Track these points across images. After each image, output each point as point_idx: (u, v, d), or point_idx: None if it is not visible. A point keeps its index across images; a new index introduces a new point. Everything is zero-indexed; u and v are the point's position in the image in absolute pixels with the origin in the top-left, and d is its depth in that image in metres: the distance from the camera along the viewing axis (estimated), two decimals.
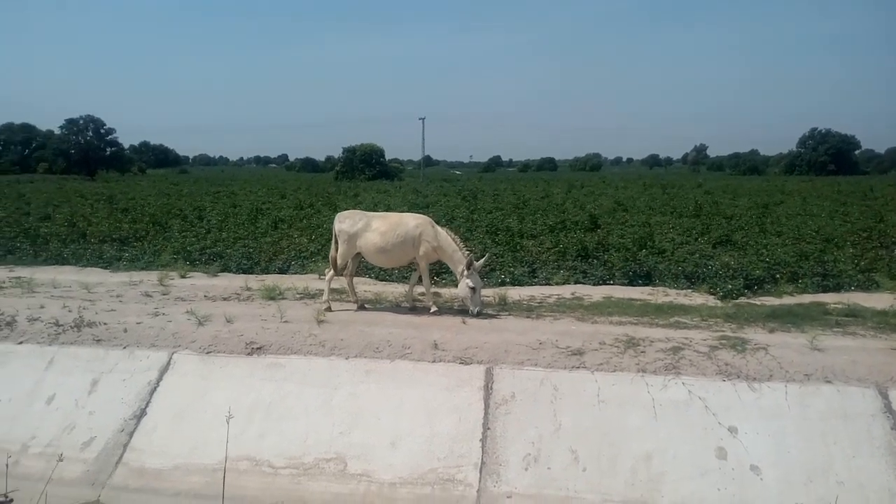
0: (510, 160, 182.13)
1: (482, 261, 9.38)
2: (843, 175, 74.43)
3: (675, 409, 6.69)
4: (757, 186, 44.94)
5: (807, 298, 10.30)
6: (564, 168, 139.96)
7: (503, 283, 11.69)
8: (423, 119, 75.60)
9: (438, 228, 9.46)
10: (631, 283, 11.76)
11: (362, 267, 11.66)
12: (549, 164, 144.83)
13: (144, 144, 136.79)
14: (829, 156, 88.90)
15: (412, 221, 9.46)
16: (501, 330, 8.39)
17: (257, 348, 7.93)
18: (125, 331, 8.45)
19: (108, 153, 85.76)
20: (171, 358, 7.89)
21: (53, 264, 13.99)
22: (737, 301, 10.18)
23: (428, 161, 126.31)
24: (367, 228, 9.46)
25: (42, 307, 9.38)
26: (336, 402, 7.20)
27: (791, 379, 6.88)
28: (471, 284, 9.01)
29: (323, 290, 9.75)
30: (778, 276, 11.49)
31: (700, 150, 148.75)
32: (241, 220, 19.82)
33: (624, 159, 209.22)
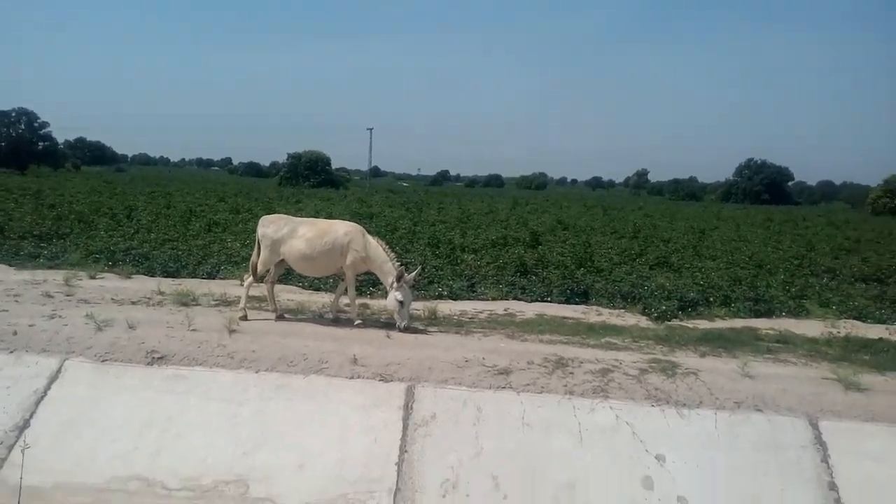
0: (458, 175, 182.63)
1: (413, 274, 8.93)
2: (776, 205, 77.05)
3: (601, 435, 6.37)
4: (694, 212, 46.04)
5: (739, 322, 10.21)
6: (511, 185, 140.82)
7: (440, 297, 11.30)
8: (371, 129, 75.05)
9: (369, 237, 8.99)
10: (568, 301, 11.54)
11: (289, 274, 11.08)
12: (495, 181, 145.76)
13: (80, 140, 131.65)
14: (763, 185, 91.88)
15: (341, 229, 8.96)
16: (427, 346, 7.95)
17: (158, 358, 7.27)
18: (15, 333, 7.66)
19: (40, 147, 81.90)
20: (62, 365, 7.16)
21: None
22: (669, 323, 10.01)
23: (376, 172, 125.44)
24: (293, 234, 8.91)
25: None
26: (241, 418, 6.63)
27: (721, 406, 6.65)
28: (399, 297, 8.56)
29: (240, 297, 9.13)
30: (711, 298, 11.45)
31: (641, 175, 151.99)
32: (173, 221, 18.97)
33: (568, 180, 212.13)
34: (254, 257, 9.19)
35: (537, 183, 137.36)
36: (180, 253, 13.64)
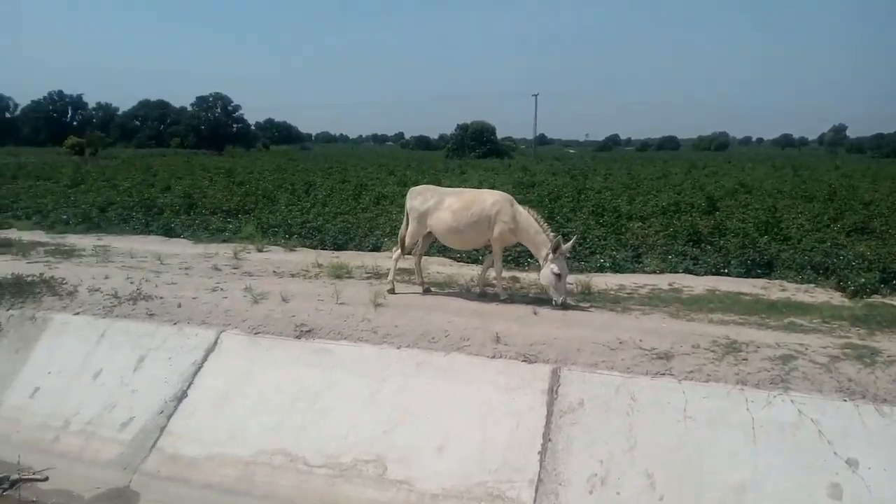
0: (629, 139, 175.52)
1: (569, 244, 8.29)
2: None
3: (779, 433, 5.46)
4: None
5: None
6: (687, 147, 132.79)
7: (602, 268, 10.61)
8: (537, 96, 73.90)
9: (518, 207, 8.45)
10: (748, 273, 10.30)
11: (443, 247, 10.87)
12: (670, 143, 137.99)
13: (269, 121, 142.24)
14: None
15: (489, 199, 8.50)
16: (576, 324, 7.33)
17: (307, 331, 7.32)
18: (179, 306, 8.11)
19: (234, 129, 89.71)
20: (218, 337, 7.44)
21: (161, 234, 14.19)
22: (869, 300, 8.56)
23: (542, 140, 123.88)
24: (440, 206, 8.62)
25: (107, 277, 9.25)
26: (383, 396, 6.48)
27: None
28: (556, 270, 7.94)
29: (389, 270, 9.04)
30: None
31: (838, 131, 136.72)
32: (345, 195, 19.58)
33: (753, 139, 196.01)
34: (402, 230, 9.04)
35: (717, 143, 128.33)
36: (350, 226, 13.97)
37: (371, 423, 6.25)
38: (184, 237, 13.84)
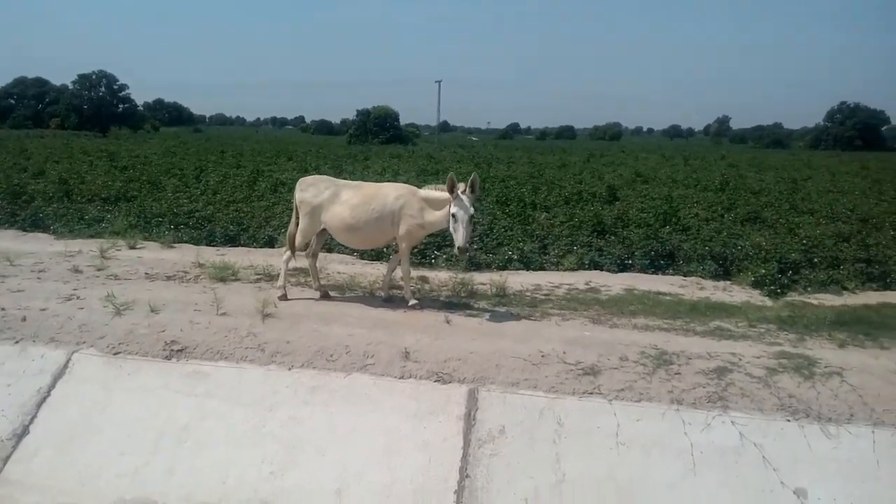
0: (528, 127, 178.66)
1: (468, 183, 7.12)
2: (870, 151, 71.96)
3: (720, 459, 4.91)
4: (782, 160, 43.66)
5: (873, 297, 8.43)
6: (583, 137, 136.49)
7: (510, 261, 10.05)
8: (440, 83, 72.96)
9: (423, 193, 7.35)
10: (652, 264, 10.17)
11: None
12: (567, 133, 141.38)
13: (159, 102, 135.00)
14: (856, 130, 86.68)
15: (391, 193, 7.49)
16: (494, 334, 6.53)
17: (178, 350, 6.17)
18: (24, 319, 6.70)
19: (120, 110, 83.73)
20: (70, 358, 6.15)
21: (28, 225, 12.46)
22: (788, 299, 8.32)
23: (444, 126, 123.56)
24: (335, 200, 7.57)
25: None
26: (270, 428, 5.47)
27: (879, 421, 5.07)
28: (452, 211, 6.92)
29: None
30: (816, 259, 9.91)
31: (723, 122, 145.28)
32: (240, 182, 18.10)
33: (644, 129, 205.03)
34: (291, 226, 7.92)
35: (611, 133, 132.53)
36: (243, 215, 12.74)
37: (255, 463, 5.24)
38: (53, 228, 12.15)
